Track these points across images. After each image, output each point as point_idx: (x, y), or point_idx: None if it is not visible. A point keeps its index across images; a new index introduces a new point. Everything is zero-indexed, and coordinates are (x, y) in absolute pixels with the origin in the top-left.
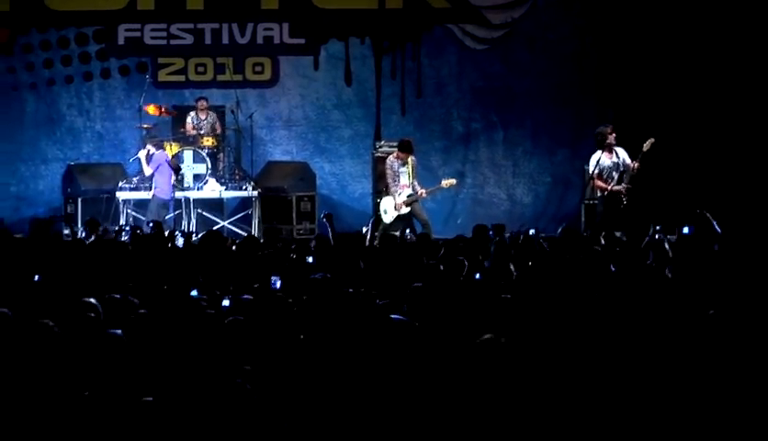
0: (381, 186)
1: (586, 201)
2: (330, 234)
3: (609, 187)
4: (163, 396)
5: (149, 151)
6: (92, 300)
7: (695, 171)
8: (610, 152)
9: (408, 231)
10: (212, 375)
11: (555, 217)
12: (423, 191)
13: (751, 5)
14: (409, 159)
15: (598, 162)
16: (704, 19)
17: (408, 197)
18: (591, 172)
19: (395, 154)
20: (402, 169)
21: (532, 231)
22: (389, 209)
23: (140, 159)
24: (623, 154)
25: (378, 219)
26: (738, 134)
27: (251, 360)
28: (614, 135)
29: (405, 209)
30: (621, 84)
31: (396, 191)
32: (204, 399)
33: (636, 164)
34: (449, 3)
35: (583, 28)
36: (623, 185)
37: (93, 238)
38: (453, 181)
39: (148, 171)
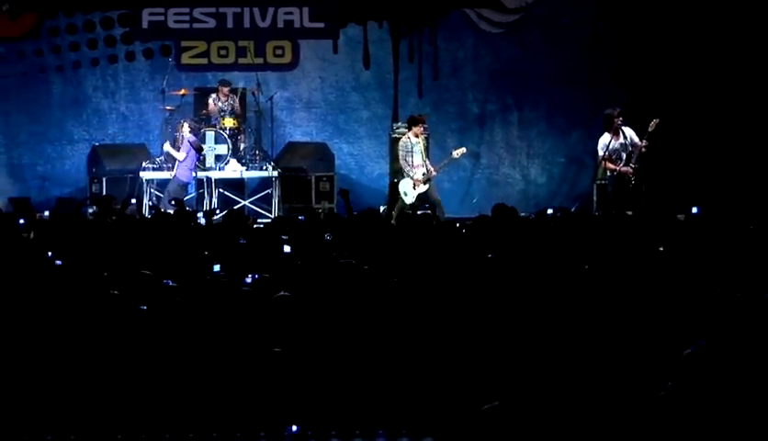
0: (399, 167)
1: (598, 181)
2: (346, 210)
3: (618, 168)
4: (187, 369)
5: (181, 135)
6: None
7: (707, 151)
8: (617, 133)
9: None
10: (235, 349)
11: (568, 196)
12: (433, 169)
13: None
14: (421, 136)
15: (607, 144)
16: (717, 2)
17: (423, 175)
18: (601, 155)
19: (409, 134)
20: (416, 148)
21: (550, 211)
22: (409, 190)
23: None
24: (630, 134)
25: (394, 200)
26: (750, 114)
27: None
28: (621, 118)
29: (424, 187)
30: (634, 65)
31: (411, 172)
32: (227, 371)
33: (644, 143)
34: None
35: (596, 12)
36: (630, 165)
37: (111, 216)
38: (463, 150)
39: (181, 156)
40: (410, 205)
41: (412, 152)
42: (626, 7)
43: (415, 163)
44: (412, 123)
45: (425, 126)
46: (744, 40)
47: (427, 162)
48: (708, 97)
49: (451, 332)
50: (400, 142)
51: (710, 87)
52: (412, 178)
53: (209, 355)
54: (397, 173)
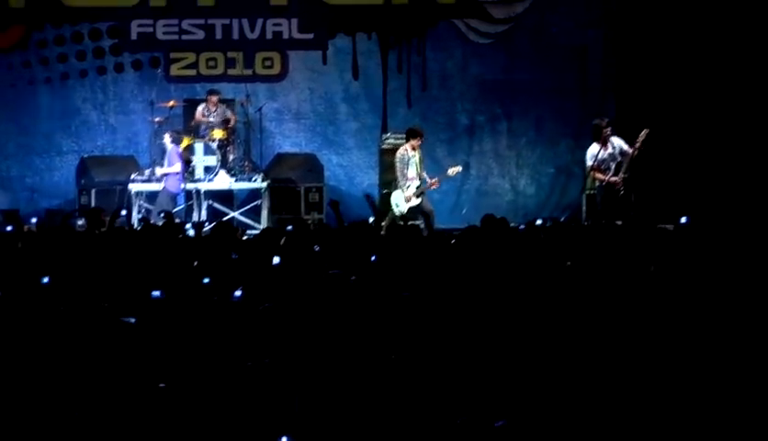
0: (389, 178)
1: (587, 192)
2: (336, 221)
3: (607, 178)
4: (176, 382)
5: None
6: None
7: (697, 160)
8: (605, 144)
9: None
10: (225, 362)
11: (558, 207)
12: (434, 181)
13: (748, 11)
14: (418, 149)
15: (596, 155)
16: (706, 11)
17: (417, 188)
18: (589, 165)
19: (406, 146)
20: (413, 160)
21: (539, 222)
22: (401, 202)
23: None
24: (619, 143)
25: (381, 211)
26: (739, 125)
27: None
28: (609, 128)
29: (416, 201)
30: (622, 74)
31: (405, 184)
32: (216, 385)
33: (636, 146)
34: None
35: (585, 21)
36: (619, 175)
37: (99, 228)
38: (458, 168)
39: (177, 167)
40: (401, 216)
41: (408, 164)
42: (615, 17)
43: (410, 176)
44: (410, 135)
45: (423, 139)
46: (734, 49)
47: (424, 174)
48: (698, 106)
49: (443, 343)
50: (398, 153)
51: (700, 96)
52: (403, 192)
53: (198, 366)
54: (387, 184)
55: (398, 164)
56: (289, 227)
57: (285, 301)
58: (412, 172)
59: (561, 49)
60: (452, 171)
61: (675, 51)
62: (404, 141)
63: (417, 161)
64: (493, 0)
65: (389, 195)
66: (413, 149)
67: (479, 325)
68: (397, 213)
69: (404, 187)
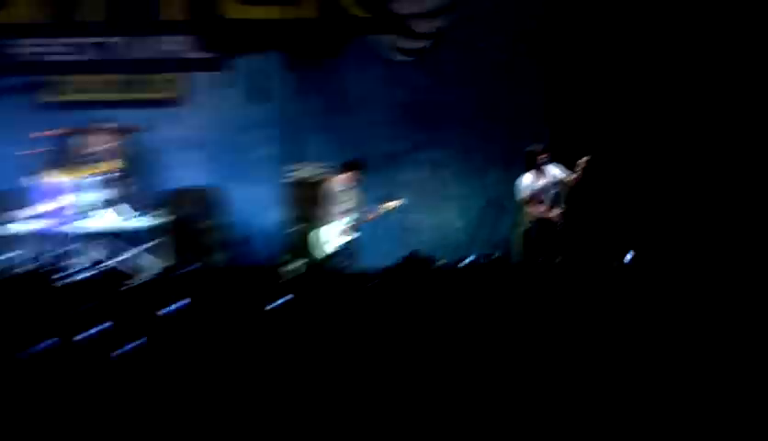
0: (298, 213)
1: (520, 226)
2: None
3: (543, 211)
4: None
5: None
6: None
7: (641, 190)
8: (540, 173)
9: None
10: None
11: (488, 243)
12: (372, 215)
13: (690, 25)
14: (354, 181)
15: (530, 185)
16: (644, 26)
17: (347, 223)
18: (522, 196)
19: (339, 178)
20: (345, 194)
21: (468, 259)
22: (331, 238)
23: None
24: (555, 172)
25: (294, 250)
26: (679, 153)
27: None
28: (545, 155)
29: (346, 237)
30: (558, 95)
31: (332, 219)
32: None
33: (575, 179)
34: (369, 12)
35: (516, 35)
36: (556, 208)
37: None
38: (397, 202)
39: (53, 205)
40: (327, 255)
41: (338, 197)
42: (548, 30)
43: (341, 211)
44: (346, 167)
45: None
46: (674, 66)
47: (365, 208)
48: (642, 129)
49: (364, 388)
50: (328, 185)
51: (643, 118)
52: (335, 227)
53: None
54: (298, 219)
55: (326, 197)
56: (190, 267)
57: (189, 346)
58: (342, 206)
59: (490, 66)
60: (390, 204)
61: (615, 69)
62: (338, 172)
63: (351, 195)
64: (415, 13)
65: (301, 231)
66: (349, 181)
67: (403, 370)
68: (325, 251)
69: (331, 223)
